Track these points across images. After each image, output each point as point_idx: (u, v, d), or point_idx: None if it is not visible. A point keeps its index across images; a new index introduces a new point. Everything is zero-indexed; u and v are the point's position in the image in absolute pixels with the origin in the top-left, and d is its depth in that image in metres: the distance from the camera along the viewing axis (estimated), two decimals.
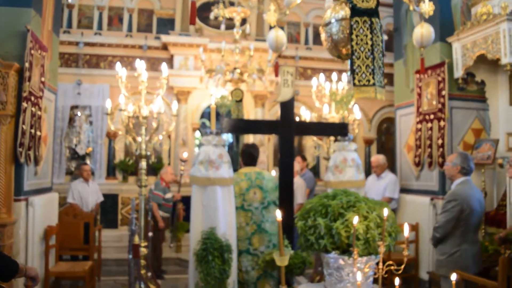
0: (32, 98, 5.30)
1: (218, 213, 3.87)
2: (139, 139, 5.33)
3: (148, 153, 5.50)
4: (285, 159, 4.00)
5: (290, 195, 3.99)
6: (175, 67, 8.99)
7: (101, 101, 8.71)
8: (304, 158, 7.89)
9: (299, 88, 9.80)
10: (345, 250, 2.41)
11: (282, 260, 2.34)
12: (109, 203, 8.78)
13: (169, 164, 9.01)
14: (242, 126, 4.01)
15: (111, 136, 8.88)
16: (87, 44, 8.94)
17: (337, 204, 2.39)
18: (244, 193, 4.33)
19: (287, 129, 4.01)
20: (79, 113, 8.95)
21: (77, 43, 8.90)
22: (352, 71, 2.38)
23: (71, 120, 8.94)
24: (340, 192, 2.53)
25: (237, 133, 6.45)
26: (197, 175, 3.92)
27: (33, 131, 5.36)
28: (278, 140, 4.03)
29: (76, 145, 8.93)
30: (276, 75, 4.02)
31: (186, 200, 9.47)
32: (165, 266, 7.83)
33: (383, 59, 2.45)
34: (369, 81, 2.39)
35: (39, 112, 5.58)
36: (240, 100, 6.32)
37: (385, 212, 2.30)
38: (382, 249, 2.25)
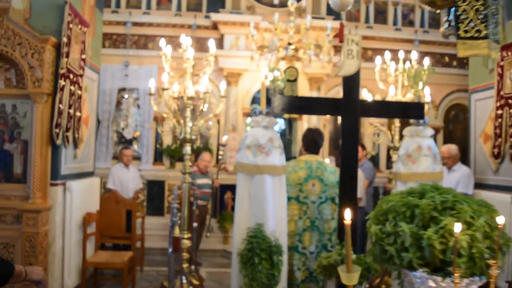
0: (71, 76, 4.94)
1: (267, 206, 3.31)
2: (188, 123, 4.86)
3: (193, 137, 5.02)
4: (348, 146, 3.35)
5: (353, 189, 3.34)
6: (226, 47, 8.46)
7: (149, 83, 8.32)
8: (363, 147, 7.17)
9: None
10: (437, 268, 1.76)
11: (350, 278, 1.72)
12: (156, 189, 8.47)
13: (207, 150, 8.47)
14: (297, 105, 3.39)
15: (158, 120, 8.52)
16: (135, 24, 8.61)
17: (428, 204, 1.74)
18: (301, 183, 3.79)
19: (351, 109, 3.35)
20: (126, 96, 8.66)
21: (124, 23, 8.57)
22: (456, 19, 1.67)
23: (119, 103, 8.67)
24: (431, 189, 1.87)
25: (291, 112, 5.81)
26: (244, 162, 3.36)
27: (71, 111, 5.01)
28: (341, 123, 3.38)
29: (123, 129, 8.66)
30: (341, 40, 3.36)
31: (233, 188, 8.95)
32: (211, 258, 7.42)
33: (499, 2, 1.71)
34: (479, 31, 1.65)
35: (79, 91, 5.22)
36: (295, 80, 5.68)
37: (501, 219, 1.63)
38: (495, 271, 1.59)
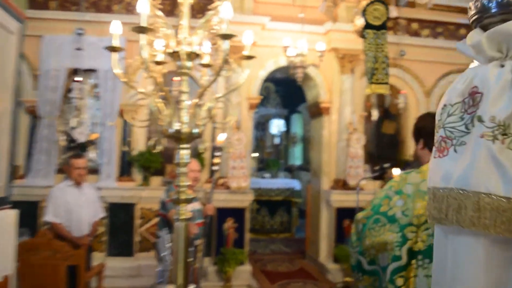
0: None
1: None
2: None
3: (196, 131, 2.47)
4: None
5: None
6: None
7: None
8: None
9: (404, 47, 6.64)
10: None
11: None
12: (121, 217, 5.78)
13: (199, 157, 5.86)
14: None
15: (125, 114, 5.87)
16: None
17: None
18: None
19: None
20: (79, 80, 5.97)
21: None
22: None
23: (68, 91, 5.98)
24: None
25: None
26: (462, 187, 0.83)
27: None
28: None
29: (74, 128, 5.97)
30: None
31: (236, 214, 6.28)
32: None
33: None
34: None
35: None
36: (383, 26, 3.21)
37: None
38: None
